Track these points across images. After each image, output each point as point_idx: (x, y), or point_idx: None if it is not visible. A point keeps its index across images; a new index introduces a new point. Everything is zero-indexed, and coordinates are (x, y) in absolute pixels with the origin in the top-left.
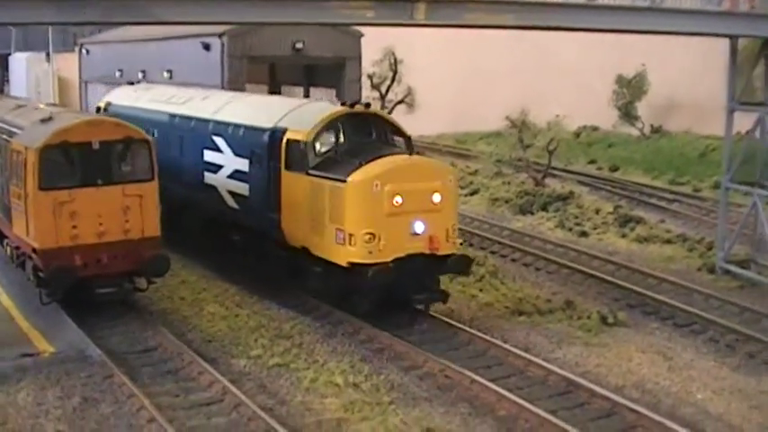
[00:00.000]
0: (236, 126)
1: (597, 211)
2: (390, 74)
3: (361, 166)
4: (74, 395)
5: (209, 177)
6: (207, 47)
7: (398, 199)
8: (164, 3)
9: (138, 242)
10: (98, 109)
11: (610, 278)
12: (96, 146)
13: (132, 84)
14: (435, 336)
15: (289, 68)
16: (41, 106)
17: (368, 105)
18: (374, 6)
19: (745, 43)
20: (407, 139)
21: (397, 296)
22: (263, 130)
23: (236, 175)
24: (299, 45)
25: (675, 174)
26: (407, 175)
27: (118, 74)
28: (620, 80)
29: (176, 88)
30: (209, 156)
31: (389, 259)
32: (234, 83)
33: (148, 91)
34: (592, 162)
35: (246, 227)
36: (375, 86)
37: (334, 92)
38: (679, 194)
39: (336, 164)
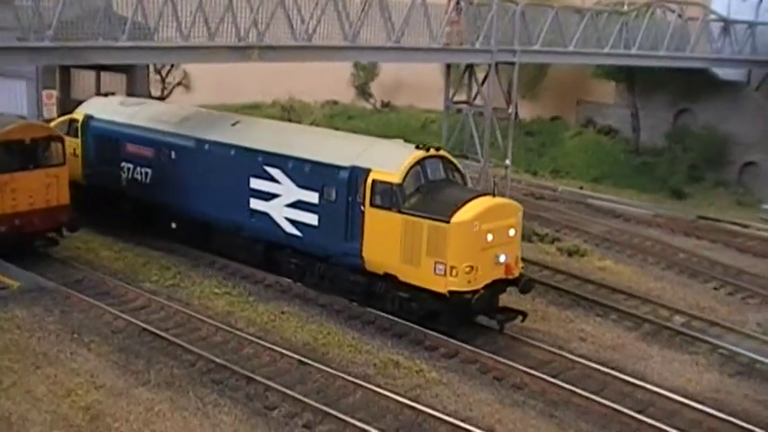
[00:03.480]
0: (301, 160)
1: None
2: None
3: (460, 207)
4: (53, 309)
5: (256, 203)
6: None
7: (490, 236)
8: (96, 50)
9: (56, 208)
10: (72, 121)
11: None
12: (28, 141)
13: (105, 95)
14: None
15: None
16: None
17: (438, 149)
18: (227, 52)
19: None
20: (463, 176)
21: (481, 315)
22: (339, 168)
23: (299, 205)
24: None
25: None
26: (495, 215)
27: None
28: (357, 64)
29: (175, 107)
30: (257, 183)
31: (481, 286)
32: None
33: (142, 107)
34: None
35: (309, 252)
36: (157, 71)
37: (125, 77)
38: None
39: (429, 203)
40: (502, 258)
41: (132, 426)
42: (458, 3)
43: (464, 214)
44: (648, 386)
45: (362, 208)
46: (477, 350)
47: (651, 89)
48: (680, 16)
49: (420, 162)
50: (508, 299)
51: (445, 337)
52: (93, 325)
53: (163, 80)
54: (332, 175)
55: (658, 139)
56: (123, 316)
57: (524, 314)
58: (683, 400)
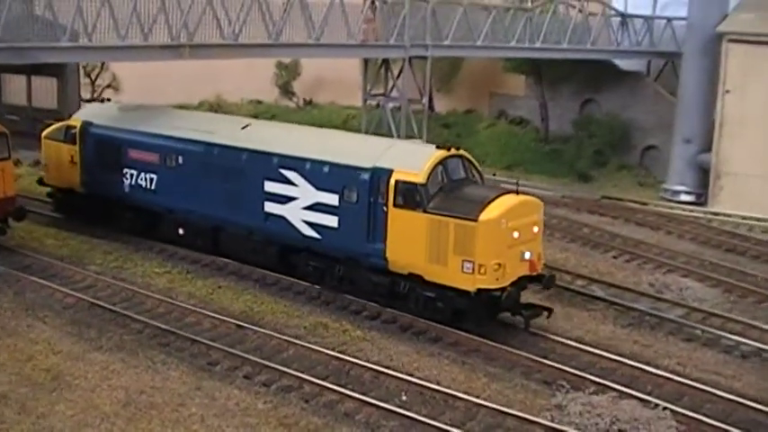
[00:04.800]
0: (319, 162)
1: None
2: (99, 63)
3: (486, 205)
4: (6, 290)
5: (271, 207)
6: None
7: (516, 233)
8: (42, 50)
9: (2, 200)
10: (69, 128)
11: None
12: None
13: (101, 101)
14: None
15: None
16: None
17: (458, 148)
18: (160, 51)
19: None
20: (481, 174)
21: (507, 312)
22: (361, 169)
23: (317, 207)
24: None
25: None
26: (520, 212)
27: None
28: (279, 65)
29: (178, 111)
30: (272, 187)
31: (508, 283)
32: None
33: (143, 112)
34: None
35: (329, 254)
36: (87, 74)
37: (55, 81)
38: None
39: (454, 202)
40: (527, 255)
41: (91, 382)
42: (373, 2)
43: (491, 212)
44: (550, 336)
45: (385, 209)
46: (397, 312)
47: (558, 81)
48: (581, 11)
49: (442, 161)
50: None
51: (369, 302)
52: (45, 302)
53: (93, 83)
54: (353, 177)
55: (566, 127)
56: (73, 293)
57: (550, 310)
58: (581, 346)
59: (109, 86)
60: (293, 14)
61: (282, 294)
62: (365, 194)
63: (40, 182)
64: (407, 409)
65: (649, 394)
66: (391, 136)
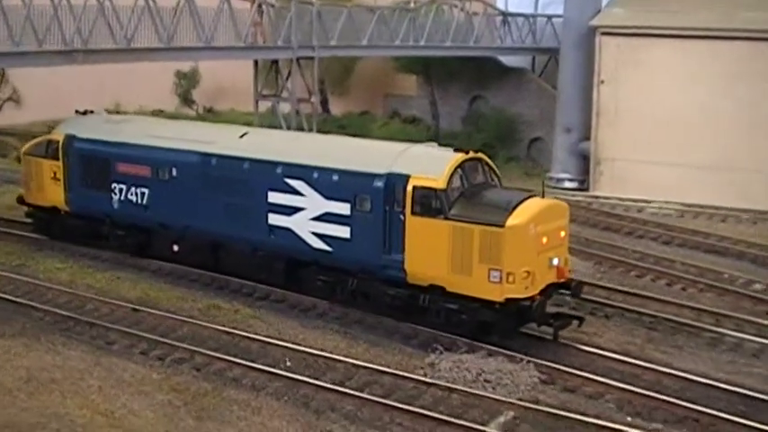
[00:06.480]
0: (328, 170)
1: None
2: None
3: (513, 210)
4: None
5: (276, 219)
6: None
7: (545, 239)
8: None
9: None
10: (50, 142)
11: None
12: None
13: (84, 113)
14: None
15: None
16: None
17: (477, 151)
18: (54, 56)
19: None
20: (499, 177)
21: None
22: (374, 176)
23: (327, 217)
24: None
25: None
26: (548, 217)
27: None
28: (179, 74)
29: (168, 121)
30: (276, 197)
31: (537, 291)
32: None
33: (131, 123)
34: None
35: (340, 267)
36: None
37: None
38: None
39: (476, 208)
40: (555, 261)
41: None
42: (260, 5)
43: (518, 217)
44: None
45: (402, 217)
46: (286, 292)
47: (447, 80)
48: (462, 10)
49: (462, 165)
50: None
51: (261, 285)
52: None
53: None
54: (366, 184)
55: (456, 124)
56: None
57: (582, 319)
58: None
59: (9, 99)
60: (183, 19)
61: (178, 282)
62: (380, 202)
63: (20, 200)
64: (291, 372)
65: (516, 352)
66: None
